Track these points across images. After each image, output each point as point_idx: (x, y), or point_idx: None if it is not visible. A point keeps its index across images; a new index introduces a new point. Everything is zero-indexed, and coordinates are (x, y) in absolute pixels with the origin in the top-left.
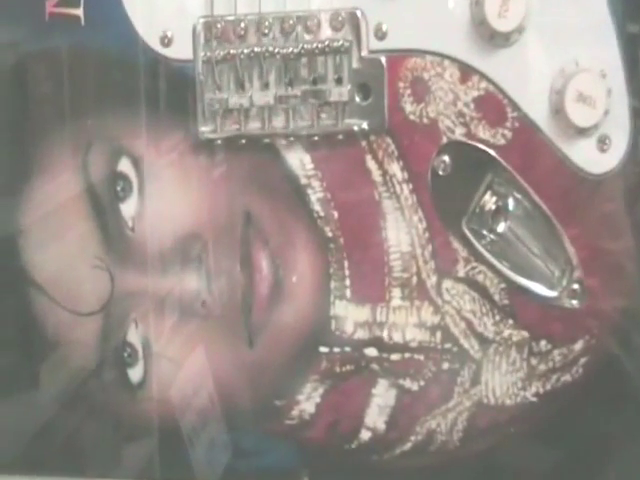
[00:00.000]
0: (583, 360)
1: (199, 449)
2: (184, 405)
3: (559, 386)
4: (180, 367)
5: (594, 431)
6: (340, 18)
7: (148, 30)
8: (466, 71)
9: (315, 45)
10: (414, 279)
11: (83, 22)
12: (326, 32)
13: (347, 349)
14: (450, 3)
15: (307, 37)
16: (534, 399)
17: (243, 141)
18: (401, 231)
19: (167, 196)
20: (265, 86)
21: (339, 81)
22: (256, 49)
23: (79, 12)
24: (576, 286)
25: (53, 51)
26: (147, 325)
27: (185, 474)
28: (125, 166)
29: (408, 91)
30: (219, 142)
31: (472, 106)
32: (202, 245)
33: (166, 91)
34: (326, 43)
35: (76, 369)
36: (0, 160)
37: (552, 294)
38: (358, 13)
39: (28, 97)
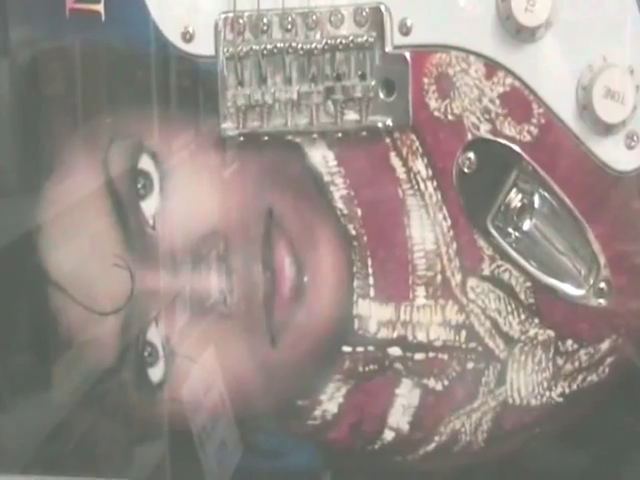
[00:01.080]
0: (610, 360)
1: (209, 449)
2: (195, 405)
3: (585, 386)
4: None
5: (621, 432)
6: (364, 13)
7: (169, 26)
8: (492, 67)
9: (339, 41)
10: (438, 277)
11: (104, 18)
12: (350, 27)
13: (370, 348)
14: None
15: (330, 32)
16: (560, 399)
17: (265, 138)
18: (425, 229)
19: (188, 193)
20: (288, 82)
21: (363, 77)
22: (279, 45)
23: (100, 8)
24: (603, 285)
25: (73, 48)
26: (167, 324)
27: (196, 475)
28: (146, 163)
29: (433, 87)
30: (241, 139)
31: (498, 102)
32: (223, 243)
33: (187, 88)
34: (350, 39)
35: (94, 369)
36: (20, 158)
37: (578, 293)
38: (382, 8)
39: (48, 94)
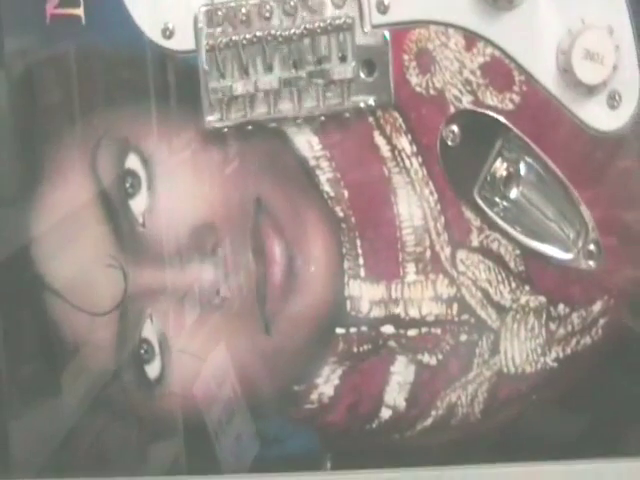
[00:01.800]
0: (602, 321)
1: (226, 443)
2: (209, 400)
3: (579, 349)
4: (199, 360)
5: (617, 393)
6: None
7: (149, 24)
8: (471, 38)
9: (317, 24)
10: (428, 252)
11: (84, 21)
12: (328, 10)
13: (363, 328)
14: None
15: (309, 17)
16: (554, 364)
17: (249, 127)
18: (412, 205)
19: (177, 189)
20: (269, 70)
21: (343, 59)
22: (258, 33)
23: (79, 11)
24: (592, 247)
25: (56, 54)
26: (163, 320)
27: (212, 468)
28: (133, 162)
29: (413, 63)
30: (226, 130)
31: (478, 73)
32: (215, 235)
33: (170, 83)
34: (328, 22)
35: (98, 370)
36: (10, 166)
37: (568, 256)
38: None
39: (35, 102)
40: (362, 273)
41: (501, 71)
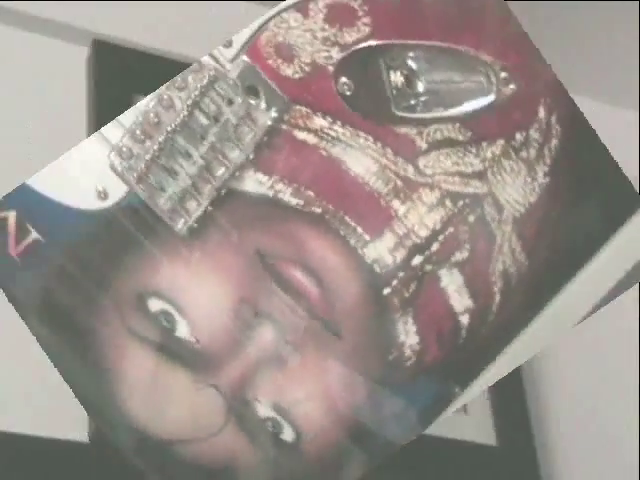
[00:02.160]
0: (553, 118)
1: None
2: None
3: (555, 154)
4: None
5: None
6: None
7: (82, 199)
8: (301, 5)
9: (194, 95)
10: (398, 182)
11: (43, 238)
12: (195, 79)
13: (401, 274)
14: None
15: (185, 94)
16: (545, 180)
17: (210, 208)
18: (360, 159)
19: (202, 293)
20: (188, 156)
21: (230, 102)
22: (169, 128)
23: (35, 236)
24: (504, 74)
25: (43, 273)
26: (265, 393)
27: None
28: (155, 304)
29: (279, 60)
30: (195, 225)
31: (327, 26)
32: (249, 303)
33: (135, 244)
34: (198, 86)
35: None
36: (83, 375)
37: (492, 97)
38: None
39: (56, 320)
40: (367, 237)
41: (345, 8)
